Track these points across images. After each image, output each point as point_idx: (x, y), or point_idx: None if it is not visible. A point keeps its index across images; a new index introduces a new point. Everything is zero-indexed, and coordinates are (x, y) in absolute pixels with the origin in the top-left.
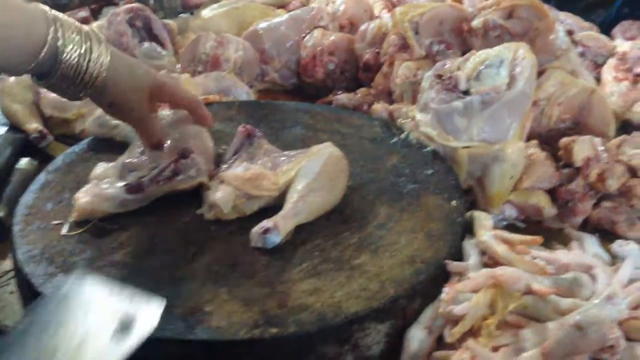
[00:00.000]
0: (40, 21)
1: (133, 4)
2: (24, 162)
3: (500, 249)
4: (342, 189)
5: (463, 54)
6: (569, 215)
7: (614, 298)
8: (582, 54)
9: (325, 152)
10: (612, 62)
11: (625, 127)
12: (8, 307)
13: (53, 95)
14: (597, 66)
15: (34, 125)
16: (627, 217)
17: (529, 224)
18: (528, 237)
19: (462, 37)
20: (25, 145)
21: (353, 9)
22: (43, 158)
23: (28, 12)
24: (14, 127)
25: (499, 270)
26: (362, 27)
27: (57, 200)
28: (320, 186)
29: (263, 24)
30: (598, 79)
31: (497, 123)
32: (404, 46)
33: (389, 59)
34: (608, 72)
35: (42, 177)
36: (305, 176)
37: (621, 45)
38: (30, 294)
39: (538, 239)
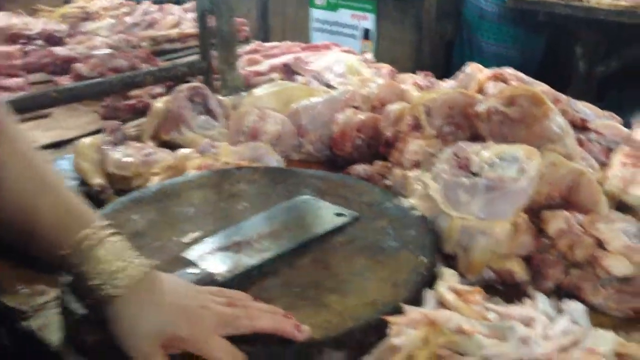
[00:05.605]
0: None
1: (194, 83)
2: None
3: (450, 297)
4: None
5: (471, 135)
6: (540, 280)
7: (528, 341)
8: (590, 140)
9: None
10: (623, 148)
11: (621, 208)
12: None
13: (115, 156)
14: (611, 152)
15: (97, 181)
16: (592, 284)
17: (507, 286)
18: (471, 288)
19: (470, 121)
20: (90, 196)
21: (385, 92)
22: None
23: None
24: (83, 181)
25: (432, 311)
26: (387, 108)
27: None
28: None
29: (303, 103)
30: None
31: (496, 207)
32: (417, 126)
33: (403, 136)
34: (617, 157)
35: None
36: None
37: (637, 133)
38: (69, 316)
39: (478, 288)
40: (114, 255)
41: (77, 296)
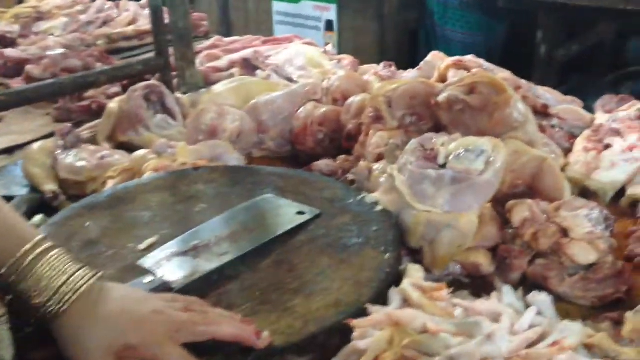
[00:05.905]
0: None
1: (149, 82)
2: (37, 218)
3: (415, 295)
4: None
5: (433, 125)
6: (506, 271)
7: (493, 338)
8: (552, 126)
9: None
10: (586, 133)
11: (585, 194)
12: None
13: (67, 160)
14: (574, 137)
15: (49, 187)
16: (558, 273)
17: (473, 278)
18: (436, 285)
19: (432, 111)
20: (42, 204)
21: (346, 84)
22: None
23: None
24: (34, 188)
25: (396, 311)
26: (349, 101)
27: None
28: None
29: (262, 98)
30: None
31: (461, 200)
32: (378, 117)
33: (365, 129)
34: (580, 142)
35: (43, 230)
36: None
37: (599, 117)
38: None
39: (442, 285)
40: (56, 271)
41: (21, 315)
